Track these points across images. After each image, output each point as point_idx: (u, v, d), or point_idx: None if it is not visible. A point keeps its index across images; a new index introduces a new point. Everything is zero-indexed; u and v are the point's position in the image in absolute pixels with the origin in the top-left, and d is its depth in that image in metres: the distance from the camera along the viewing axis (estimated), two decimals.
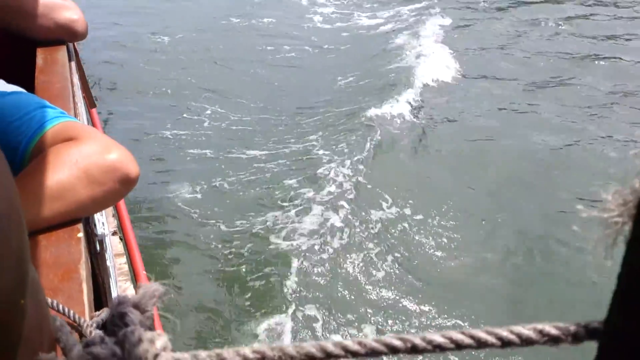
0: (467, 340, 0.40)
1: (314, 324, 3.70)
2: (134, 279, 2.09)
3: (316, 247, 4.34)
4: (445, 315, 3.82)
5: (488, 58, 8.06)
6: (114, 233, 2.18)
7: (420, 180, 5.26)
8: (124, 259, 2.07)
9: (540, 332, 0.39)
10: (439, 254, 4.35)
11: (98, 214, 1.40)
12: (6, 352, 0.44)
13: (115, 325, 0.51)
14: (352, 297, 3.94)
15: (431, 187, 5.15)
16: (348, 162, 5.44)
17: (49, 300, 0.84)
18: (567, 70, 7.56)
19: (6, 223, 0.43)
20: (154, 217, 4.73)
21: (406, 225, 4.61)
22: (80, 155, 1.16)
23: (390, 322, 3.77)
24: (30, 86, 1.57)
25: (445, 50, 8.16)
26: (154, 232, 4.57)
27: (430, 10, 9.87)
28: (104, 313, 0.82)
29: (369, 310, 3.83)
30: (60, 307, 0.85)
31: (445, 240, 4.47)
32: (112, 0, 10.45)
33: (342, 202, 4.84)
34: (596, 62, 7.84)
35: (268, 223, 4.65)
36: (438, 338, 0.40)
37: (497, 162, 5.51)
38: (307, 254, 4.28)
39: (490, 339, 0.39)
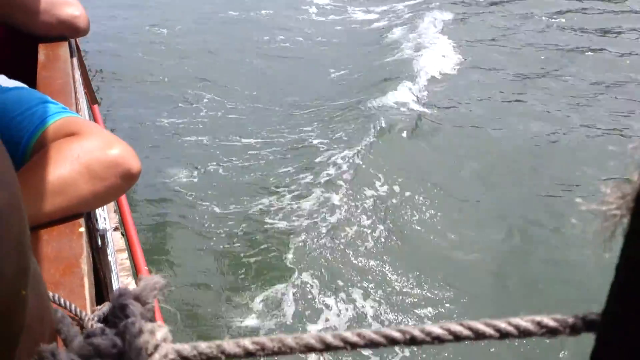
0: (466, 332, 0.40)
1: (311, 290, 3.86)
2: (136, 274, 2.09)
3: (310, 227, 4.48)
4: (430, 281, 4.00)
5: (481, 50, 8.13)
6: (116, 229, 2.18)
7: (414, 165, 5.39)
8: (125, 255, 2.07)
9: (539, 323, 0.39)
10: (427, 231, 4.52)
11: (100, 209, 1.41)
12: (8, 342, 0.45)
13: (116, 317, 0.51)
14: (343, 267, 4.10)
15: (425, 172, 5.28)
16: (343, 148, 5.55)
17: (51, 294, 0.84)
18: (556, 62, 7.69)
19: (8, 216, 0.43)
20: (154, 202, 4.80)
21: (397, 203, 4.78)
22: (82, 150, 1.16)
23: (380, 291, 3.93)
24: (32, 82, 1.57)
25: (439, 43, 8.22)
26: (154, 219, 4.61)
27: (424, 5, 9.94)
28: (105, 307, 0.82)
29: (359, 277, 4.01)
30: (62, 300, 0.86)
31: (435, 220, 4.63)
32: None
33: (340, 183, 4.98)
34: (585, 54, 7.97)
35: (268, 207, 4.76)
36: (436, 330, 0.40)
37: (487, 148, 5.67)
38: (307, 231, 4.42)
39: (489, 331, 0.40)
